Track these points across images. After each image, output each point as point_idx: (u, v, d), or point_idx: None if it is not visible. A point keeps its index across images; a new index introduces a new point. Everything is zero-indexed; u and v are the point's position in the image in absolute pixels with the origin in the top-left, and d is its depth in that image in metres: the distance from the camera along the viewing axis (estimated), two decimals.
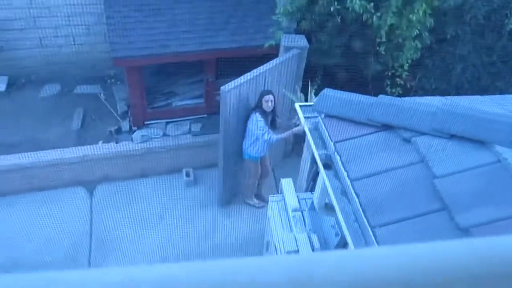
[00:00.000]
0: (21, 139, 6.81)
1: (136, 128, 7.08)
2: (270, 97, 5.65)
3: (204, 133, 7.05)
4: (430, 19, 5.57)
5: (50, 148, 6.59)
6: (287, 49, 6.06)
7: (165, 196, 6.72)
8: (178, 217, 6.47)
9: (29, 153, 6.48)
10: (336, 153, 3.45)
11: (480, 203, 2.95)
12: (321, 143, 3.69)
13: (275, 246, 4.70)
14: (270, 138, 5.69)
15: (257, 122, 5.67)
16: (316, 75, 6.39)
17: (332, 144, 3.52)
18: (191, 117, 7.28)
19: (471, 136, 3.32)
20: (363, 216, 3.00)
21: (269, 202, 5.02)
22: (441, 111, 3.52)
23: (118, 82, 7.95)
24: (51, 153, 6.50)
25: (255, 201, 6.65)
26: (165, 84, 7.46)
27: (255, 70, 5.74)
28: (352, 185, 3.20)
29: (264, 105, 5.65)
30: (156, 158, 6.93)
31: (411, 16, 5.44)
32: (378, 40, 5.76)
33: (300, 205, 4.64)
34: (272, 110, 5.76)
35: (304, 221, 4.52)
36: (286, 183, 4.88)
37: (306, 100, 5.71)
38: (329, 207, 3.98)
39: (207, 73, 6.93)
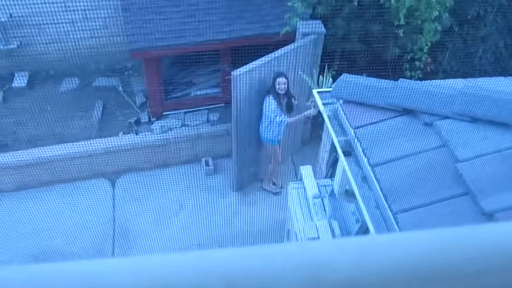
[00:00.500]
0: (43, 133, 6.94)
1: (155, 119, 7.14)
2: (282, 79, 5.67)
3: (222, 122, 7.07)
4: None
5: (72, 141, 6.70)
6: (304, 35, 6.01)
7: (185, 186, 6.78)
8: (198, 206, 6.53)
9: (51, 147, 6.61)
10: (356, 139, 3.42)
11: (504, 188, 2.89)
12: (341, 129, 3.66)
13: (295, 233, 4.70)
14: (282, 120, 5.75)
15: (270, 104, 5.72)
16: (333, 60, 6.32)
17: (352, 130, 3.49)
18: (209, 107, 7.31)
19: (495, 119, 3.25)
20: (385, 202, 2.98)
21: (289, 190, 5.02)
22: (463, 94, 3.45)
23: (136, 74, 8.01)
24: (73, 146, 6.61)
25: (272, 186, 6.69)
26: (182, 74, 7.48)
27: (268, 55, 5.73)
28: (373, 171, 3.17)
29: (277, 87, 5.69)
30: (176, 148, 6.99)
31: None
32: (396, 23, 5.64)
33: (320, 192, 4.62)
34: (286, 93, 5.78)
35: (324, 208, 4.51)
36: (306, 170, 4.86)
37: (321, 85, 5.66)
38: (349, 194, 3.96)
39: (224, 62, 6.92)
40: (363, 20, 6.11)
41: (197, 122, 7.13)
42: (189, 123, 7.11)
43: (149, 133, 6.97)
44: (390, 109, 3.57)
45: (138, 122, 7.15)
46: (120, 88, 7.82)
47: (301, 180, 4.89)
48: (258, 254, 0.42)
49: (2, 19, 7.39)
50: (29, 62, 7.80)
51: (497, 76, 4.45)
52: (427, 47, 5.83)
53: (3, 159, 6.41)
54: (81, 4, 7.19)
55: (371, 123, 3.53)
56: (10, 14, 7.36)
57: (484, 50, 6.23)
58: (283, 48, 5.88)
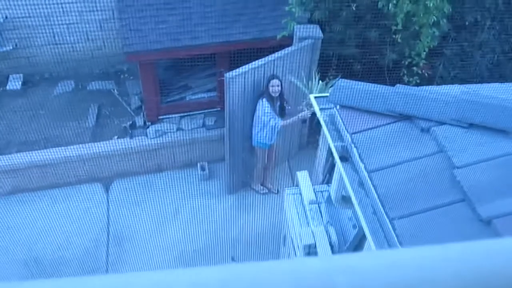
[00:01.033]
0: (37, 136, 6.87)
1: (150, 123, 7.08)
2: (276, 81, 5.65)
3: (218, 126, 7.02)
4: (448, 5, 5.41)
5: (66, 145, 6.63)
6: (301, 39, 5.98)
7: (180, 191, 6.72)
8: (194, 211, 6.47)
9: (45, 151, 6.53)
10: (352, 145, 3.38)
11: (501, 194, 2.86)
12: (337, 134, 3.62)
13: (292, 239, 4.65)
14: (276, 123, 5.73)
15: (263, 107, 5.70)
16: (330, 65, 6.29)
17: (349, 136, 3.45)
18: (205, 111, 7.26)
19: (492, 125, 3.23)
20: (382, 208, 2.94)
21: (285, 195, 4.97)
22: (461, 100, 3.42)
23: (131, 77, 7.96)
24: (66, 150, 6.54)
25: (259, 187, 6.66)
26: (178, 78, 7.44)
27: (262, 59, 5.70)
28: (370, 177, 3.13)
29: (270, 90, 5.67)
30: (171, 152, 6.93)
31: (428, 2, 5.29)
32: (394, 28, 5.63)
33: (316, 197, 4.58)
34: (279, 96, 5.76)
35: (321, 213, 4.47)
36: (302, 176, 4.82)
37: (311, 90, 5.63)
38: (346, 200, 3.91)
39: (220, 66, 6.88)
40: (360, 25, 6.10)
41: (193, 126, 7.08)
42: (184, 127, 7.06)
43: (144, 137, 6.91)
44: (387, 114, 3.54)
45: (133, 126, 7.09)
46: (116, 91, 7.76)
47: (297, 185, 4.85)
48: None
49: None
50: (23, 65, 7.74)
51: (494, 82, 4.44)
52: (424, 53, 5.81)
53: None
54: (77, 6, 7.15)
55: (368, 129, 3.50)
56: (6, 16, 7.31)
57: (482, 56, 6.22)
58: (278, 52, 5.86)
